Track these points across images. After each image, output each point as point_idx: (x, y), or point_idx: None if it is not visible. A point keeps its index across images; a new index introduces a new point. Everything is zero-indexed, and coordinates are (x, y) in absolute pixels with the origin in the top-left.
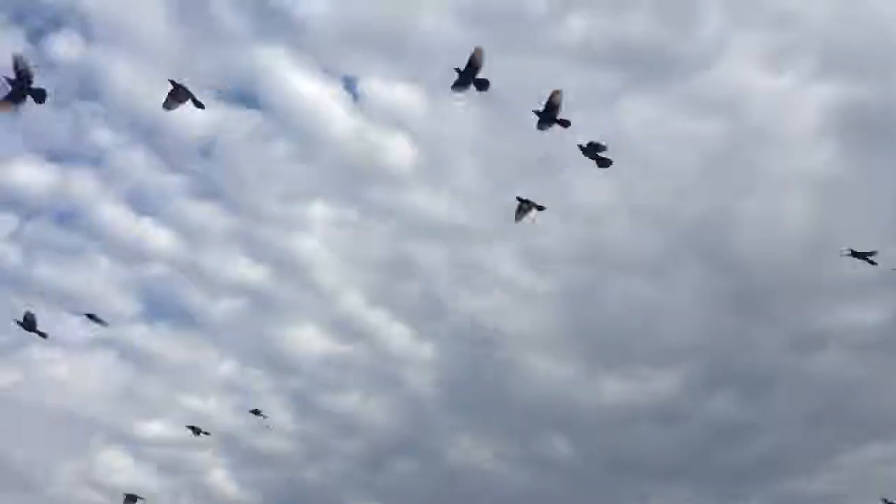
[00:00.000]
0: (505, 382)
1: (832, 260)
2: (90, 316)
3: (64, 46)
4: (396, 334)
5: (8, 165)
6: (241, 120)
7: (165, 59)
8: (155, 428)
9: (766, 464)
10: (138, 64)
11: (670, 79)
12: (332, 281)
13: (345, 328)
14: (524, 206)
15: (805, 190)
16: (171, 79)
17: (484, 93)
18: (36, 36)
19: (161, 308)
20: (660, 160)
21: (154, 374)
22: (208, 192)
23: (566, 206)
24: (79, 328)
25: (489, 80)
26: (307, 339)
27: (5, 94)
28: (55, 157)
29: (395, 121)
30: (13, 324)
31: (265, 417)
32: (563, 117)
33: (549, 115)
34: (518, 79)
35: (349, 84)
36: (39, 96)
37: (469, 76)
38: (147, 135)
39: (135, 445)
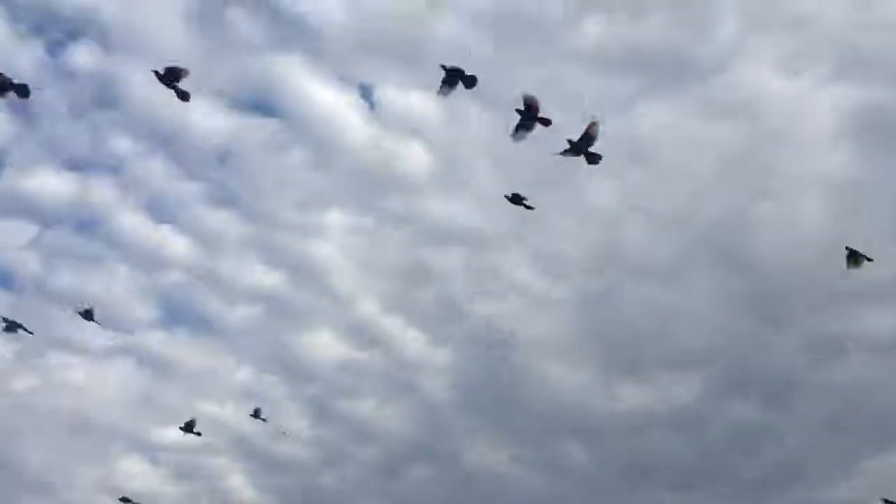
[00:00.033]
0: (520, 388)
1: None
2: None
3: (83, 56)
4: (411, 340)
5: (28, 174)
6: (258, 128)
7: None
8: (172, 434)
9: (785, 470)
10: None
11: (686, 83)
12: (347, 287)
13: (360, 334)
14: (514, 203)
15: (822, 193)
16: (153, 69)
17: (473, 90)
18: (55, 46)
19: (179, 315)
20: (676, 164)
21: (171, 381)
22: (226, 199)
23: (582, 210)
24: (97, 335)
25: (476, 76)
26: (323, 346)
27: None
28: (75, 165)
29: (411, 128)
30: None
31: (265, 420)
32: (545, 116)
33: (529, 115)
34: (534, 85)
35: (365, 92)
36: (23, 91)
37: (457, 73)
38: (165, 143)
39: (152, 451)
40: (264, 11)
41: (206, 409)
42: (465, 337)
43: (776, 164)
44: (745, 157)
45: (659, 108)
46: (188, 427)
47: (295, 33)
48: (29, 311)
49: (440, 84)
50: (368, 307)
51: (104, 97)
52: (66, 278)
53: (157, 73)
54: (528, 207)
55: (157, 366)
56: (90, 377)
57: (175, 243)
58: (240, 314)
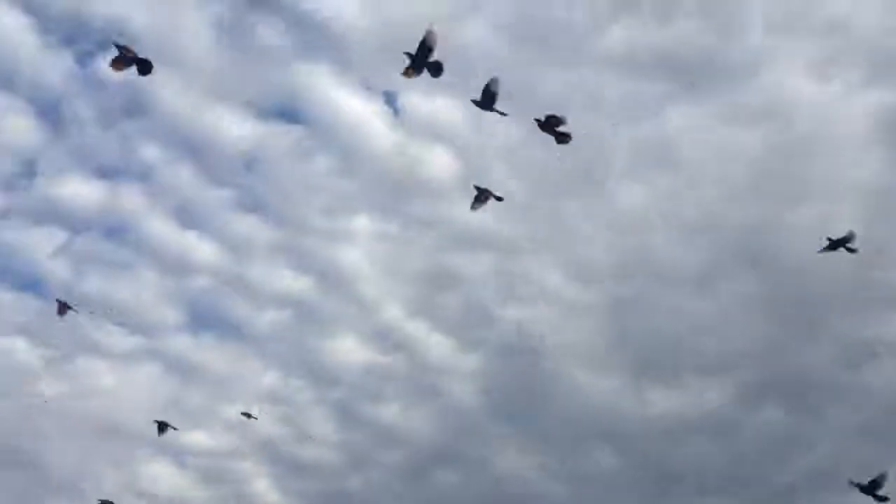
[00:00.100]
0: (550, 393)
1: (883, 269)
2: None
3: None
4: (436, 345)
5: (58, 182)
6: (284, 135)
7: (211, 77)
8: (199, 438)
9: (816, 476)
10: (184, 82)
11: (716, 87)
12: (373, 292)
13: (386, 339)
14: (481, 196)
15: (854, 198)
16: (115, 42)
17: (438, 78)
18: (85, 57)
19: (206, 320)
20: (706, 169)
21: (198, 385)
22: (252, 205)
23: (611, 216)
24: (125, 340)
25: (442, 63)
26: (349, 350)
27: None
28: (104, 173)
29: (436, 134)
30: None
31: (256, 419)
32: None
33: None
34: (561, 90)
35: (390, 98)
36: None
37: (422, 60)
38: (193, 151)
39: (179, 455)
40: (290, 19)
41: (233, 414)
42: (493, 342)
43: (808, 170)
44: (776, 163)
45: (689, 114)
46: (163, 426)
47: (320, 41)
48: (59, 317)
49: (405, 69)
50: (394, 312)
51: (133, 106)
52: (95, 284)
53: (117, 45)
54: (498, 199)
55: (184, 370)
56: (118, 381)
57: (202, 249)
58: (266, 319)
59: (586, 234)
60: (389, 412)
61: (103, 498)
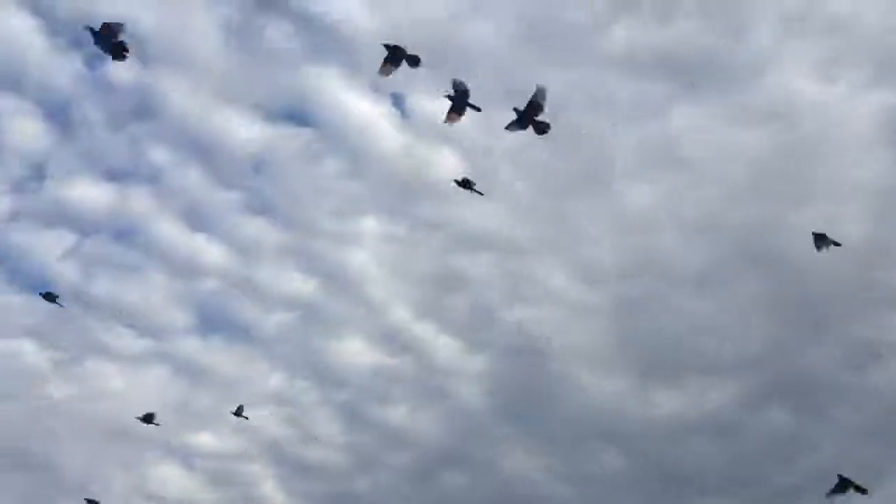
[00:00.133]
0: (556, 394)
1: (887, 269)
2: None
3: (121, 70)
4: (443, 347)
5: (68, 184)
6: (293, 137)
7: (219, 80)
8: (207, 440)
9: (821, 477)
10: (193, 85)
11: (721, 88)
12: (381, 294)
13: (393, 341)
14: (462, 185)
15: (860, 199)
16: (87, 26)
17: (416, 69)
18: (94, 60)
19: (215, 322)
20: (711, 170)
21: (207, 387)
22: (261, 208)
23: (616, 216)
24: (134, 343)
25: (420, 56)
26: (356, 352)
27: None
28: (113, 175)
29: (443, 136)
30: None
31: (247, 418)
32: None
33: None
34: (563, 90)
35: (397, 101)
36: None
37: (400, 54)
38: (201, 153)
39: (187, 457)
40: (298, 22)
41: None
42: (499, 344)
43: (812, 171)
44: (782, 164)
45: (693, 114)
46: (148, 419)
47: (328, 43)
48: (68, 319)
49: (382, 63)
50: (401, 314)
51: (142, 109)
52: (104, 286)
53: (91, 29)
54: (478, 193)
55: (193, 372)
56: (127, 384)
57: (211, 252)
58: (274, 321)
59: (592, 235)
60: (397, 414)
61: (113, 500)
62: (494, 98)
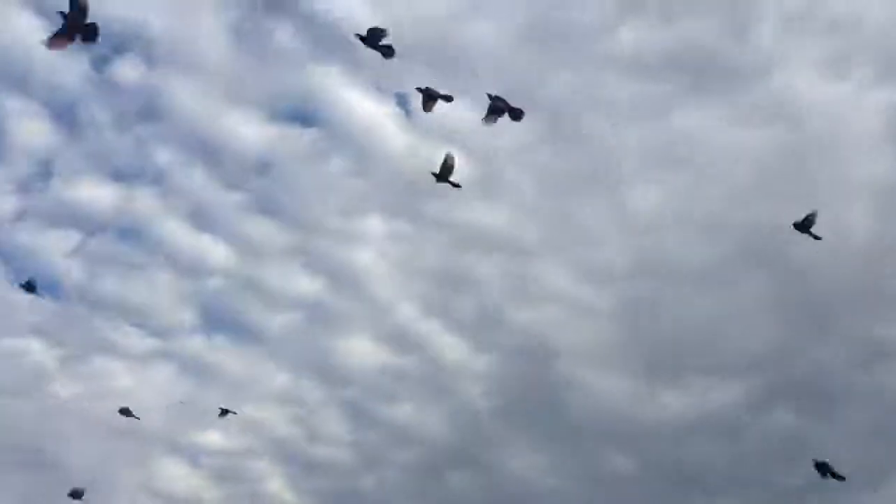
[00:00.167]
0: (563, 394)
1: (894, 267)
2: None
3: (127, 70)
4: (450, 346)
5: (73, 184)
6: (298, 137)
7: (225, 80)
8: (213, 438)
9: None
10: (198, 85)
11: (726, 88)
12: (387, 293)
13: (399, 340)
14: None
15: (867, 198)
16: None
17: (391, 59)
18: (100, 62)
19: (220, 321)
20: (718, 170)
21: (212, 386)
22: (266, 208)
23: (623, 217)
24: (141, 342)
25: (393, 46)
26: (362, 351)
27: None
28: (119, 176)
29: (448, 135)
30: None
31: (235, 413)
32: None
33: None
34: (571, 90)
35: (402, 100)
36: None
37: (374, 42)
38: (207, 153)
39: (194, 455)
40: (301, 21)
41: (246, 414)
42: (505, 344)
43: (819, 170)
44: (787, 163)
45: (698, 114)
46: (125, 412)
47: (330, 42)
48: (74, 317)
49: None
50: (407, 313)
51: (148, 110)
52: (109, 285)
53: (62, 13)
54: (455, 185)
55: (199, 371)
56: (134, 382)
57: (216, 251)
58: (279, 321)
59: (598, 235)
60: (403, 412)
61: (120, 496)
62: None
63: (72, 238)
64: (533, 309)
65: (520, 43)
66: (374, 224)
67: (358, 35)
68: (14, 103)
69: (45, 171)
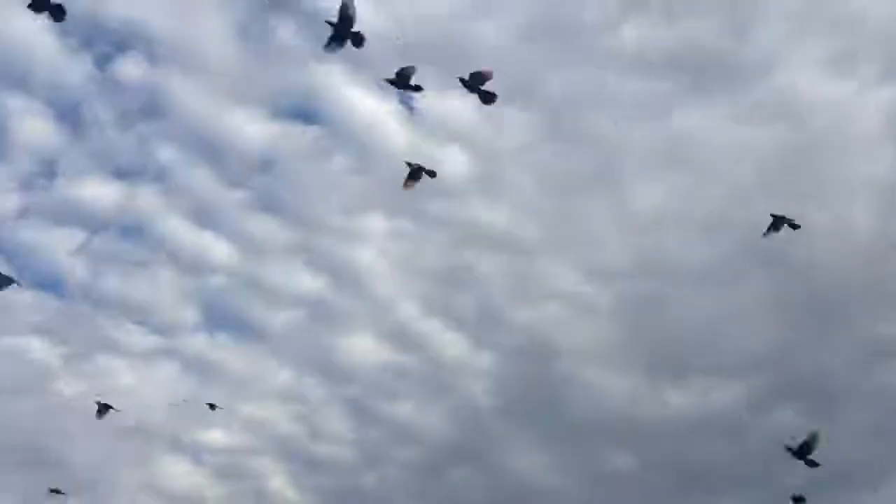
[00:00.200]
0: (564, 392)
1: None
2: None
3: (130, 68)
4: (451, 343)
5: (77, 182)
6: (300, 135)
7: (227, 78)
8: (216, 436)
9: (832, 478)
10: (200, 83)
11: (728, 87)
12: (388, 291)
13: (400, 337)
14: (416, 173)
15: (870, 196)
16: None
17: (360, 49)
18: (103, 60)
19: (222, 319)
20: (720, 169)
21: (215, 384)
22: (268, 205)
23: (625, 215)
24: (144, 339)
25: (363, 34)
26: (364, 349)
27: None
28: (122, 174)
29: (451, 133)
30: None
31: (221, 408)
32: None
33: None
34: (573, 89)
35: (404, 98)
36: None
37: (345, 31)
38: (209, 151)
39: (197, 453)
40: (304, 19)
41: (249, 411)
42: (506, 342)
43: (824, 168)
44: (790, 161)
45: (701, 112)
46: (104, 407)
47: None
48: (77, 315)
49: (326, 42)
50: (408, 310)
51: (150, 108)
52: (111, 283)
53: None
54: (431, 174)
55: (201, 369)
56: (137, 380)
57: (219, 249)
58: (281, 318)
59: (599, 233)
60: (404, 410)
61: (123, 494)
62: (500, 96)
63: (75, 236)
64: (534, 307)
65: (522, 41)
66: (376, 222)
67: (328, 21)
68: (17, 102)
69: (47, 169)
